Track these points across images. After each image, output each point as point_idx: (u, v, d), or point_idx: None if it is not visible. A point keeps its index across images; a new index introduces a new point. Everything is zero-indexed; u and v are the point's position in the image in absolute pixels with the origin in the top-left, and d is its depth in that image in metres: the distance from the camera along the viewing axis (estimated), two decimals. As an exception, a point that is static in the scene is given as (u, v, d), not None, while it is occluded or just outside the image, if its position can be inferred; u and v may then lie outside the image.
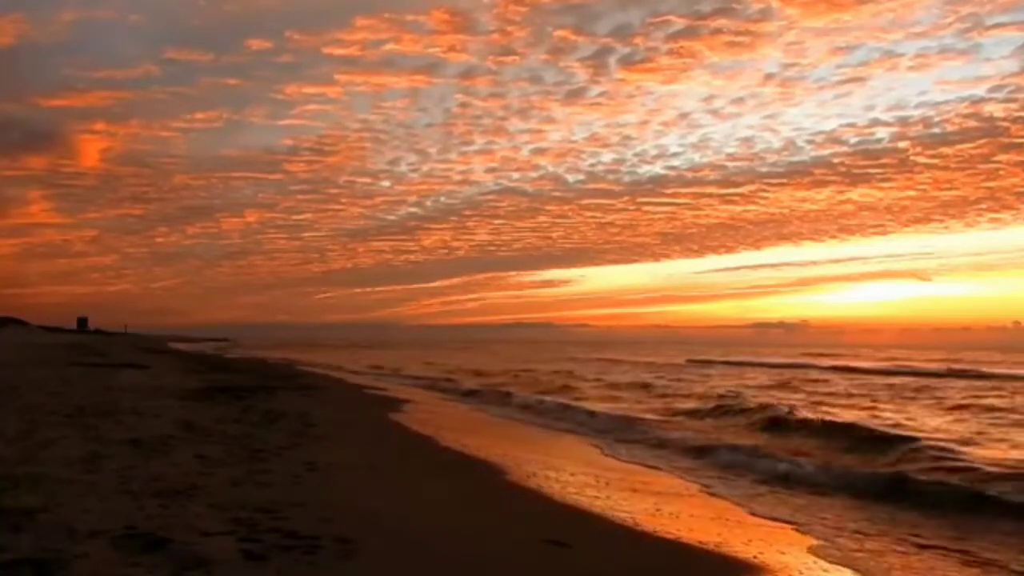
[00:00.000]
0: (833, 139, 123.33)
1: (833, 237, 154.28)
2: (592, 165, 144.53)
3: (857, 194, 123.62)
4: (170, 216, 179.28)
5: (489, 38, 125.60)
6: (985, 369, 39.55)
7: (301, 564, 4.82)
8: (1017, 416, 17.94)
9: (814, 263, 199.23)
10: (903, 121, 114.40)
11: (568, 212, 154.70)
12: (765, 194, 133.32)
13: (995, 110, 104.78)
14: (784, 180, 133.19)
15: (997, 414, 18.42)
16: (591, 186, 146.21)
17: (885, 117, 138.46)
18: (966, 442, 13.21)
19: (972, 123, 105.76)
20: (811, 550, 6.82)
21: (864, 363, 49.12)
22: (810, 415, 16.98)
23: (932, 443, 12.50)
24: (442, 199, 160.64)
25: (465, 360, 53.46)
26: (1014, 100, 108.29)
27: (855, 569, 6.30)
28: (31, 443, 8.67)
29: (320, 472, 8.24)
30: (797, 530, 7.66)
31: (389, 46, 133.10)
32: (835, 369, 43.01)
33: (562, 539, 6.33)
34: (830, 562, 6.46)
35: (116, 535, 5.13)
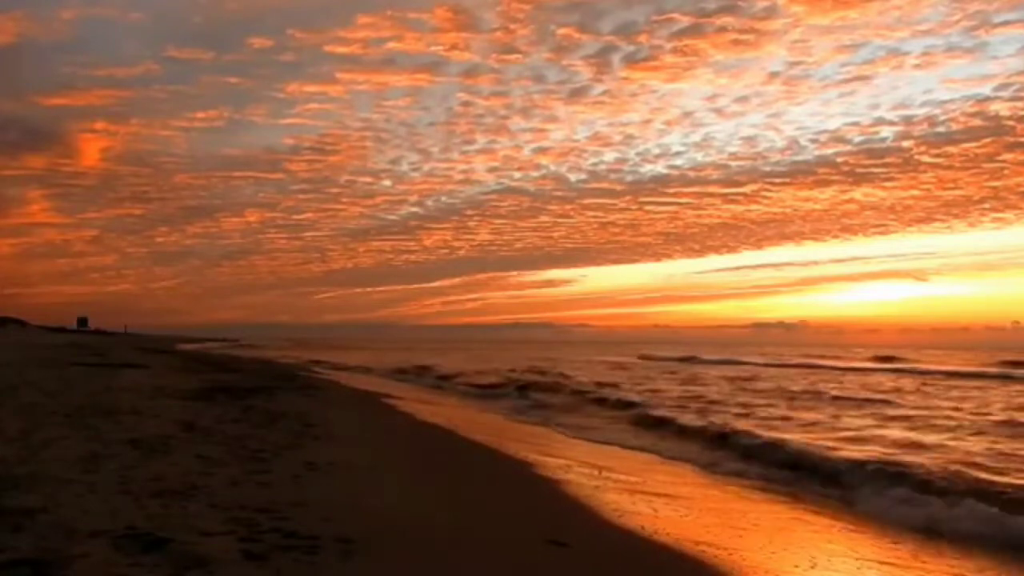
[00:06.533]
0: (837, 138, 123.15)
1: (835, 237, 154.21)
2: (594, 164, 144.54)
3: (860, 193, 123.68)
4: (170, 216, 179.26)
5: (492, 36, 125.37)
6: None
7: (301, 564, 4.82)
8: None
9: (815, 263, 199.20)
10: (908, 120, 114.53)
11: (570, 212, 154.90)
12: (768, 193, 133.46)
13: (1001, 109, 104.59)
14: (787, 179, 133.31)
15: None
16: (593, 185, 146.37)
17: (890, 116, 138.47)
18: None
19: (977, 122, 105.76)
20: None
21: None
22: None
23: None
24: (443, 199, 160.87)
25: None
26: (1020, 99, 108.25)
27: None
28: (31, 443, 8.67)
29: (320, 472, 8.24)
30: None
31: (391, 44, 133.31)
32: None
33: (562, 539, 6.33)
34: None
35: (116, 535, 5.12)
